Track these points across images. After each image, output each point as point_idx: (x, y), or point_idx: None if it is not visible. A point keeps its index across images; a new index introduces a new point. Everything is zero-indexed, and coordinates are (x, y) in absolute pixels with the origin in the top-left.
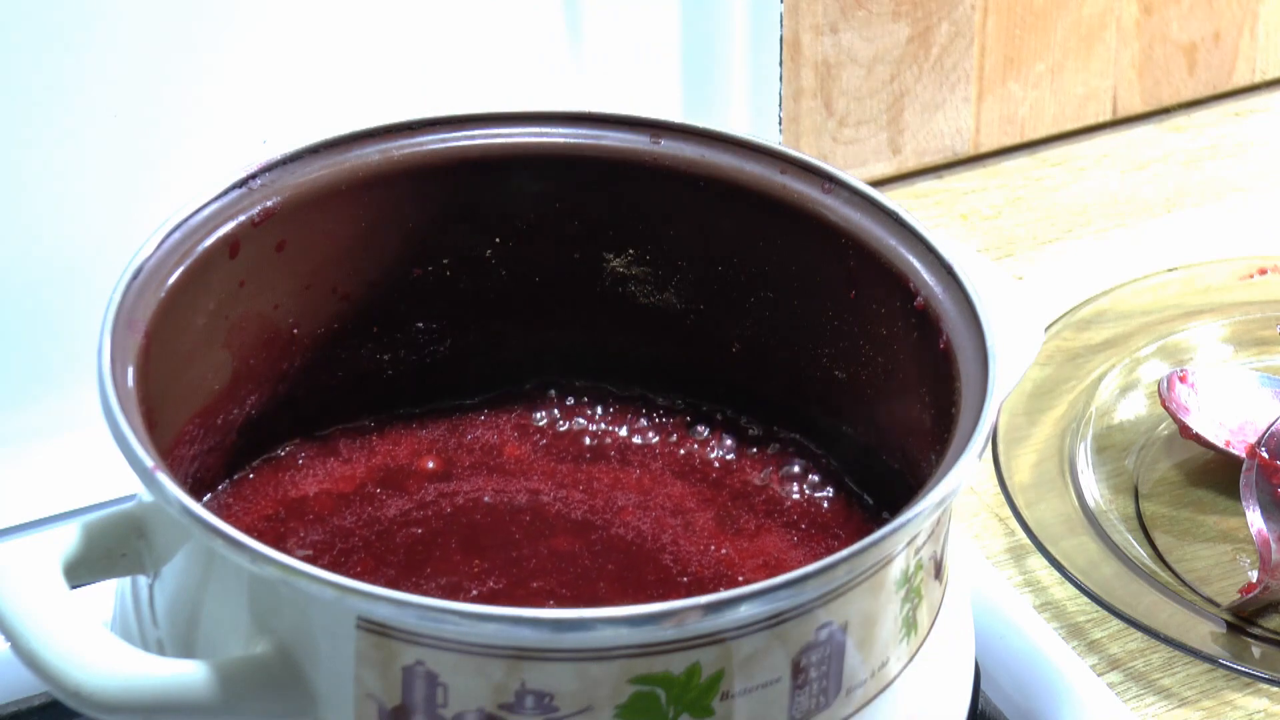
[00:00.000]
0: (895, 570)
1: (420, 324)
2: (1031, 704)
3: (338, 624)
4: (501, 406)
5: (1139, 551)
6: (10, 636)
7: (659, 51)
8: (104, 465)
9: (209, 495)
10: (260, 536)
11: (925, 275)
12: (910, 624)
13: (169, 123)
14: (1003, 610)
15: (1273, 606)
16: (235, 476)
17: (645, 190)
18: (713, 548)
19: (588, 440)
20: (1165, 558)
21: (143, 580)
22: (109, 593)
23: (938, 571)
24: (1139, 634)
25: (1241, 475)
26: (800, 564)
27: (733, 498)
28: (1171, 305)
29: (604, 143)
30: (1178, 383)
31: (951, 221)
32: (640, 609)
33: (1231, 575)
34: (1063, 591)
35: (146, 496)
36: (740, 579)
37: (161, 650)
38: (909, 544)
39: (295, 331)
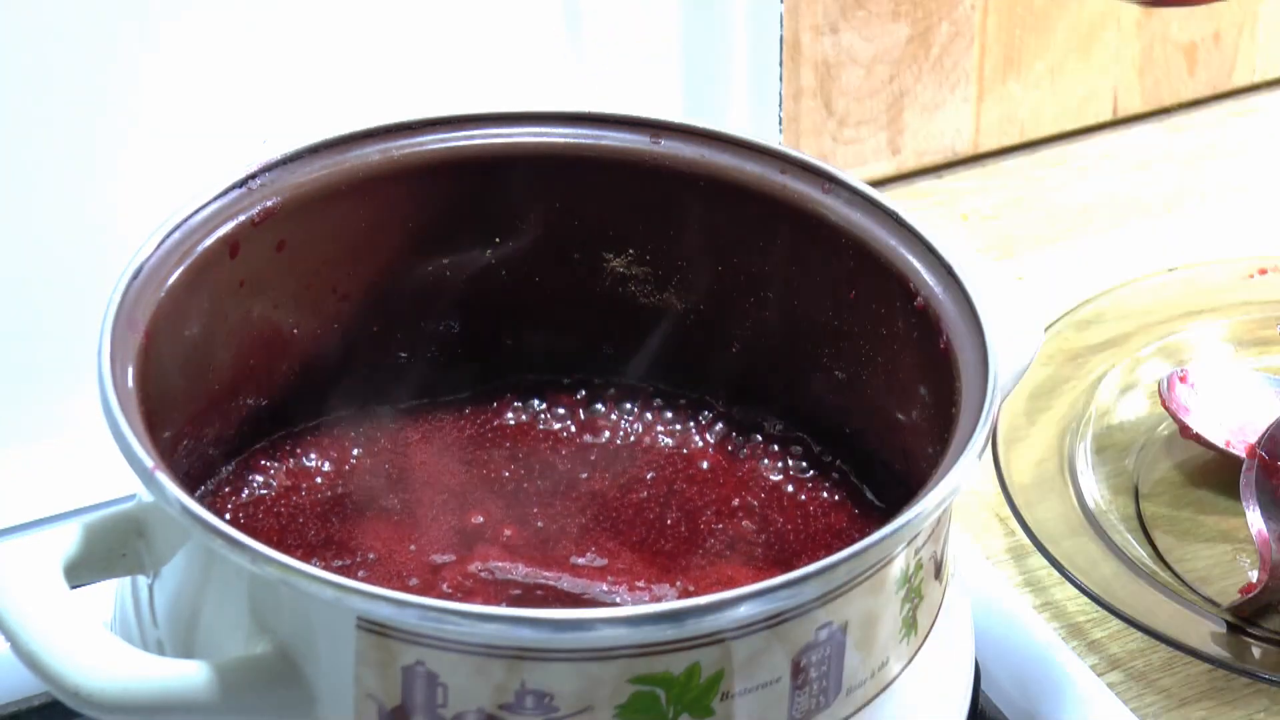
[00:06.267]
0: (895, 570)
1: (420, 324)
2: (1031, 704)
3: (338, 624)
4: (498, 403)
5: (1139, 551)
6: (10, 636)
7: (659, 51)
8: (104, 465)
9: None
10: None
11: (925, 275)
12: (910, 624)
13: (169, 123)
14: (1003, 610)
15: (1273, 606)
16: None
17: (645, 190)
18: (704, 547)
19: (588, 436)
20: (1165, 558)
21: (143, 580)
22: (109, 593)
23: (938, 571)
24: (1139, 634)
25: (1241, 475)
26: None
27: (730, 496)
28: (1171, 305)
29: (604, 143)
30: (1178, 383)
31: (951, 221)
32: (640, 609)
33: (1231, 575)
34: (1063, 591)
35: (146, 496)
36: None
37: (161, 650)
38: (909, 544)
39: (295, 331)
